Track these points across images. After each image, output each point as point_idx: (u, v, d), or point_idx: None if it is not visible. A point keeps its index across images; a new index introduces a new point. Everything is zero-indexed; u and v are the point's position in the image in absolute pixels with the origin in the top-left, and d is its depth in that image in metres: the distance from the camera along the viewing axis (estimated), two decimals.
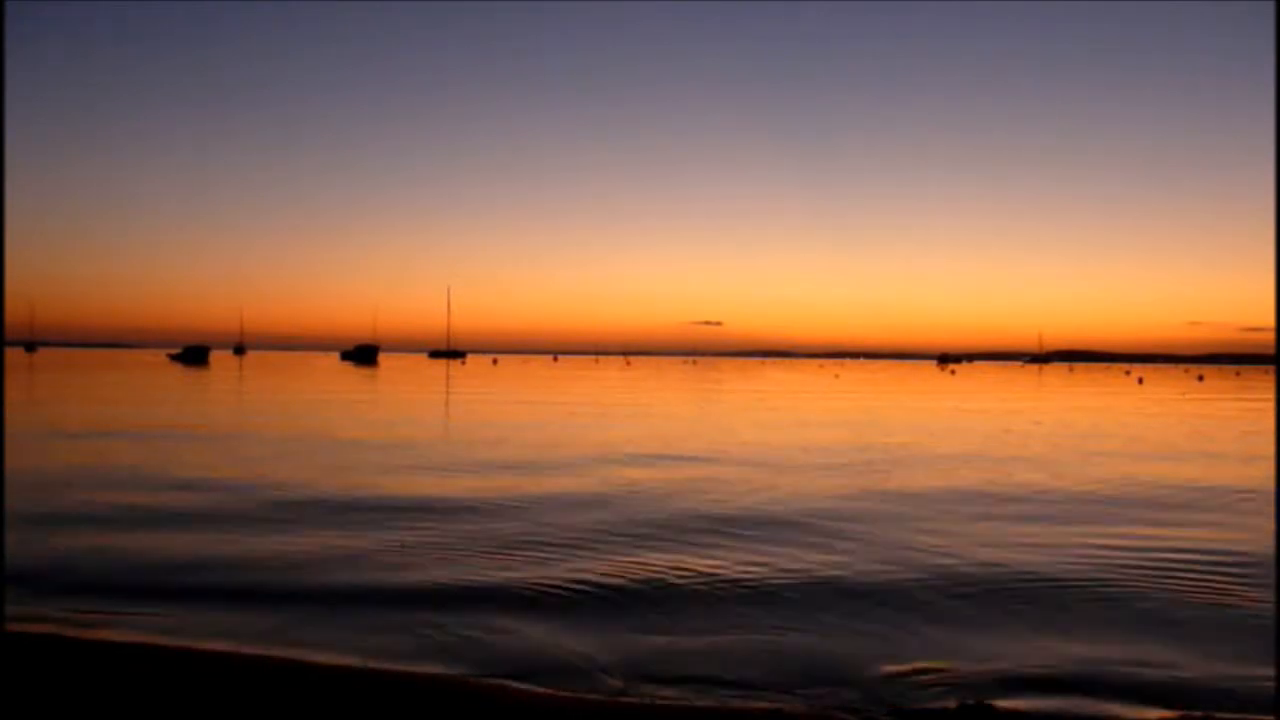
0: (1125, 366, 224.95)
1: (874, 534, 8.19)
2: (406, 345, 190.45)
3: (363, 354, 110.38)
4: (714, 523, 8.61)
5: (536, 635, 5.21)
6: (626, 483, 11.21)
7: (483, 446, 15.25)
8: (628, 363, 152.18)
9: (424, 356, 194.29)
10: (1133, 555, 7.46)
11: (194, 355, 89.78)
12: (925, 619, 5.63)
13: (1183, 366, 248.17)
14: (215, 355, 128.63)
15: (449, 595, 5.99)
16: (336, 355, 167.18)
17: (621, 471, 12.36)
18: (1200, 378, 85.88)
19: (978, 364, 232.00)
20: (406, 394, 33.67)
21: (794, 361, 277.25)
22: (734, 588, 6.30)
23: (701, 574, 6.64)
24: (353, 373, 60.66)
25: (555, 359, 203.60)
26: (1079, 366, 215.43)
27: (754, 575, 6.63)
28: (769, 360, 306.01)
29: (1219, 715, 4.15)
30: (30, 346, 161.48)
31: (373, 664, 4.65)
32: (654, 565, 6.87)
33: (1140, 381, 69.86)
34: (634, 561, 6.99)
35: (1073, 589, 6.38)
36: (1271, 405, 34.34)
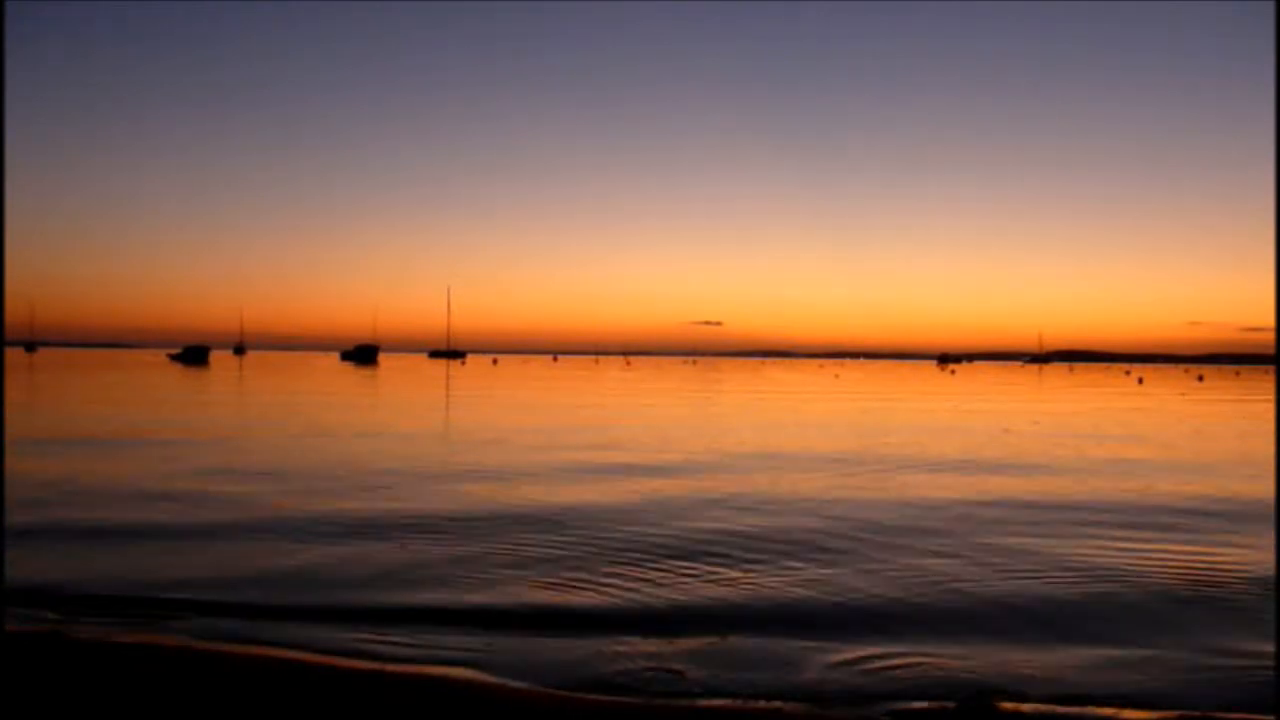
0: (1125, 366, 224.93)
1: (877, 540, 8.20)
2: (406, 345, 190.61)
3: (363, 354, 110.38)
4: (730, 522, 8.62)
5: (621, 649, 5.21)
6: (648, 492, 11.21)
7: (481, 447, 15.25)
8: (628, 363, 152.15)
9: (424, 357, 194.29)
10: (1132, 556, 7.47)
11: (194, 355, 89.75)
12: (926, 620, 5.64)
13: (1183, 366, 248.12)
14: (215, 355, 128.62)
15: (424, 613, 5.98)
16: (336, 355, 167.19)
17: (636, 478, 12.37)
18: (1200, 378, 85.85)
19: (978, 364, 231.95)
20: (412, 396, 33.67)
21: (794, 361, 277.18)
22: (736, 589, 6.31)
23: (700, 579, 6.65)
24: (354, 373, 60.65)
25: (555, 359, 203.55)
26: (1079, 366, 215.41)
27: (755, 580, 6.63)
28: (769, 360, 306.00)
29: (1219, 715, 4.15)
30: (30, 346, 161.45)
31: (375, 665, 4.65)
32: (658, 569, 6.88)
33: (1140, 381, 69.84)
34: (637, 573, 7.00)
35: (1073, 591, 6.39)
36: (1271, 405, 34.33)
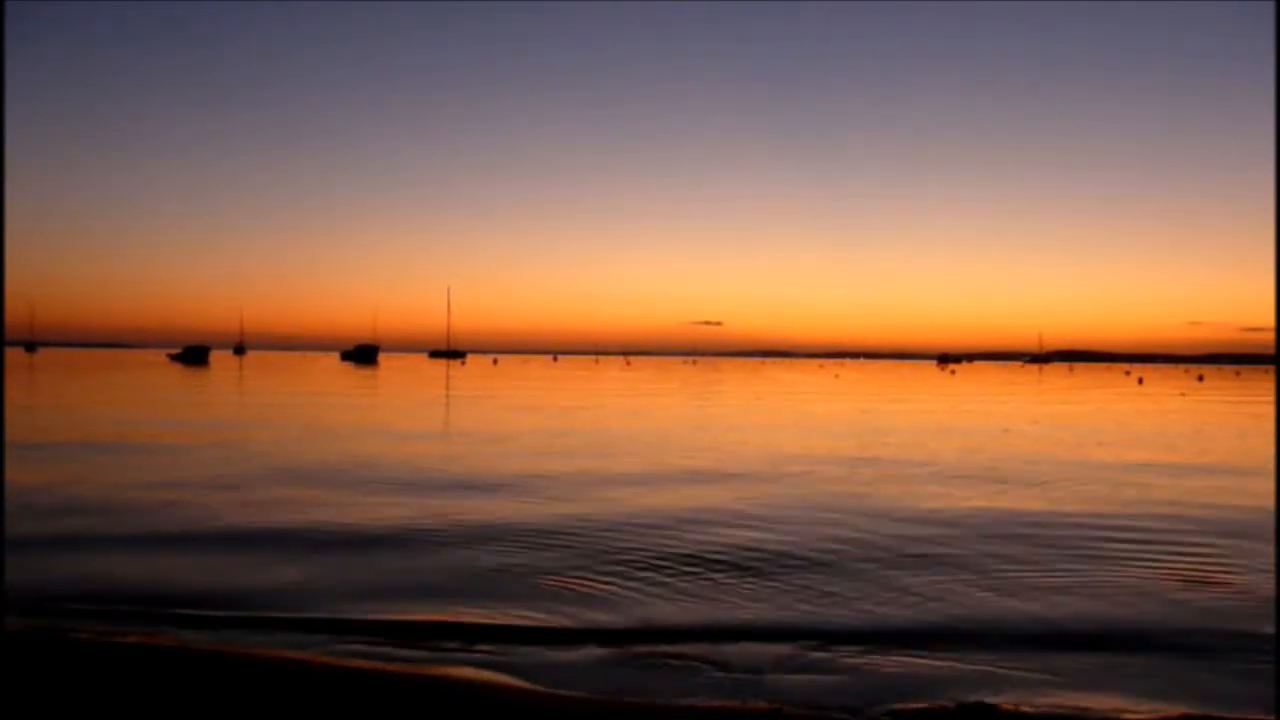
0: (1125, 366, 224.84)
1: (874, 542, 8.20)
2: (406, 345, 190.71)
3: (363, 354, 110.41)
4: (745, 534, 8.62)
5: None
6: (665, 500, 11.19)
7: (491, 450, 15.24)
8: (628, 363, 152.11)
9: (424, 357, 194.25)
10: (1129, 553, 7.47)
11: (194, 355, 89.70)
12: (927, 622, 5.64)
13: (1183, 366, 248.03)
14: (215, 355, 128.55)
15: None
16: (336, 355, 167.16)
17: (655, 486, 12.35)
18: (1200, 378, 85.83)
19: (977, 364, 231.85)
20: (415, 396, 33.65)
21: (794, 361, 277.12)
22: (737, 595, 6.31)
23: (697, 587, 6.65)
24: (354, 373, 60.63)
25: (555, 359, 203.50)
26: (1079, 366, 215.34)
27: (755, 585, 6.63)
28: (769, 360, 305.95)
29: (1218, 714, 4.16)
30: (30, 346, 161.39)
31: (376, 664, 4.65)
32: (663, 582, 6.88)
33: (1140, 382, 69.83)
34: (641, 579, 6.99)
35: (1074, 592, 6.39)
36: (1272, 405, 34.32)
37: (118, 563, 6.67)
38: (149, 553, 7.01)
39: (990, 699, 4.26)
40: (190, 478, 10.94)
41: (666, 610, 5.73)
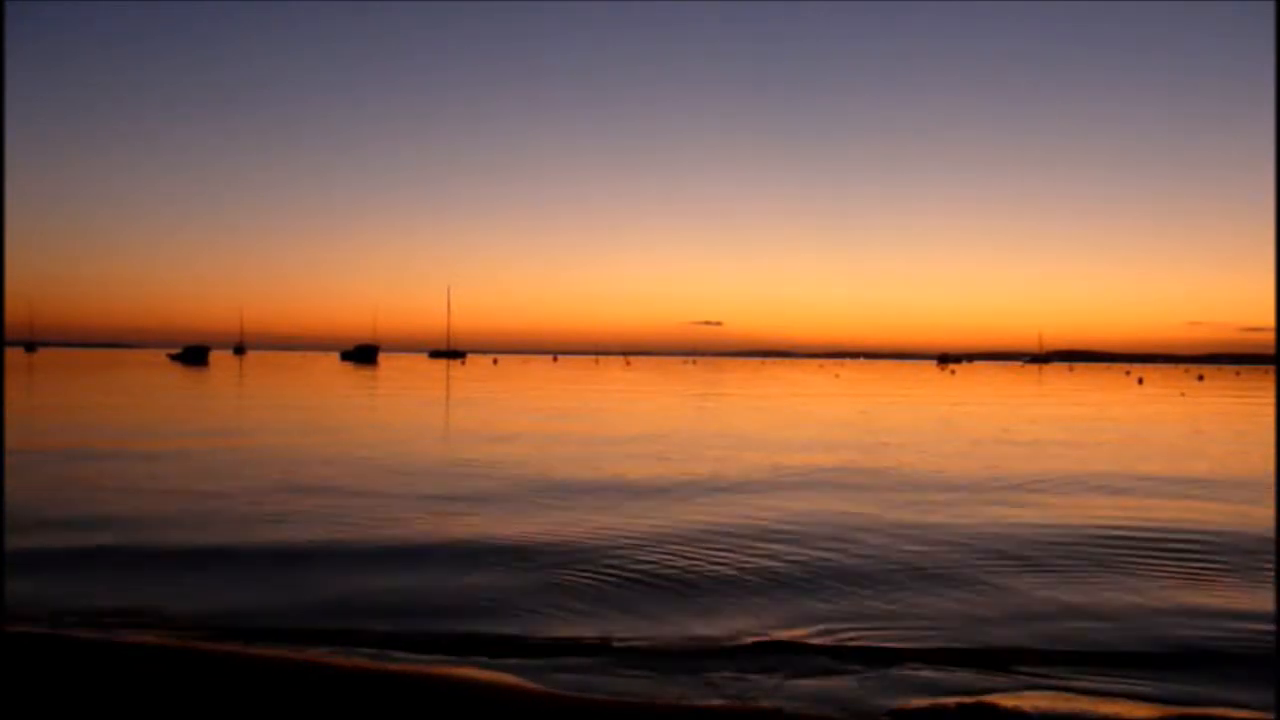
0: (1125, 366, 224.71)
1: (870, 541, 8.20)
2: (406, 345, 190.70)
3: (363, 354, 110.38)
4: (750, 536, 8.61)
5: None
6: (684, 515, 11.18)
7: (509, 455, 15.23)
8: (628, 363, 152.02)
9: (424, 357, 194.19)
10: (1134, 552, 7.47)
11: (194, 355, 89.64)
12: (925, 623, 5.64)
13: (1183, 366, 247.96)
14: (215, 355, 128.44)
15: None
16: (336, 355, 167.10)
17: (687, 497, 12.33)
18: (1200, 378, 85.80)
19: (977, 364, 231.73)
20: (421, 397, 33.62)
21: (794, 361, 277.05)
22: (738, 602, 6.30)
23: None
24: (355, 373, 60.58)
25: (555, 359, 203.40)
26: (1079, 366, 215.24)
27: (752, 591, 6.62)
28: (769, 360, 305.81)
29: (1218, 713, 4.16)
30: (30, 346, 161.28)
31: (377, 664, 4.65)
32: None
33: (1140, 382, 69.80)
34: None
35: (1074, 593, 6.39)
36: (1271, 405, 34.30)
37: (134, 576, 6.68)
38: (143, 568, 7.02)
39: (990, 699, 4.26)
40: (193, 486, 10.93)
41: (667, 614, 5.73)
